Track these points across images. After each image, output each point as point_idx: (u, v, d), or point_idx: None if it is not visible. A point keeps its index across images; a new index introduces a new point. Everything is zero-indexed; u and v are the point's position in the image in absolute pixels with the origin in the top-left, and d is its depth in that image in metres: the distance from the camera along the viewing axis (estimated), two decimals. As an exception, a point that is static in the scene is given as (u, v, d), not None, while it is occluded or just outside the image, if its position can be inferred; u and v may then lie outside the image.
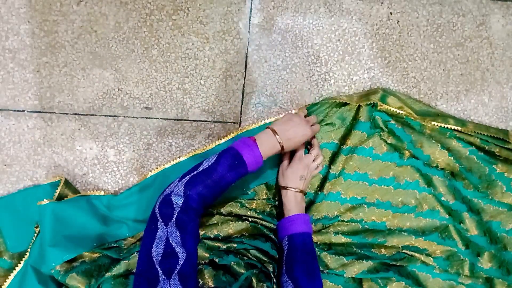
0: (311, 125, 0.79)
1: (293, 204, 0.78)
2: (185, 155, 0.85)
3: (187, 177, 0.65)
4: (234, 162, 0.67)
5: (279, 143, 0.72)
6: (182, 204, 0.61)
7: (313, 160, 0.81)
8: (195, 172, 0.65)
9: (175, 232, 0.58)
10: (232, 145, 0.70)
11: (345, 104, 0.85)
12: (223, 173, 0.66)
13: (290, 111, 0.87)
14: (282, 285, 0.72)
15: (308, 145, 0.86)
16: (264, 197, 0.85)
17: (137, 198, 0.82)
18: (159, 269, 0.54)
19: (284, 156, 0.83)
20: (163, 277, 0.53)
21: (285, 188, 0.79)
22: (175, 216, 0.59)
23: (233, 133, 0.85)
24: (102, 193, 0.83)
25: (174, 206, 0.61)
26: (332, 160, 0.85)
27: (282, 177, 0.80)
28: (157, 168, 0.84)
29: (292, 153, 0.83)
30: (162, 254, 0.56)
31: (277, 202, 0.85)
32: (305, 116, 0.83)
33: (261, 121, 0.86)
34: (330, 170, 0.84)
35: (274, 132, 0.73)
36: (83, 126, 0.85)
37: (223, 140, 0.85)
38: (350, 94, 0.88)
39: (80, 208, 0.79)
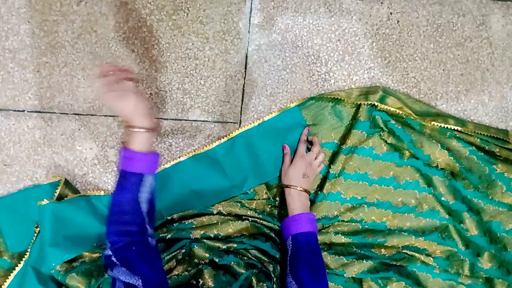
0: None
1: (297, 202, 0.77)
2: (185, 155, 0.85)
3: (106, 226, 0.64)
4: (121, 180, 0.64)
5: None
6: (112, 250, 0.61)
7: (315, 158, 0.81)
8: (108, 218, 0.64)
9: (120, 269, 0.59)
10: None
11: (342, 100, 0.85)
12: (118, 198, 0.64)
13: (287, 106, 0.87)
14: (286, 286, 0.72)
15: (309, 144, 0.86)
16: (264, 197, 0.85)
17: (136, 198, 0.82)
18: None
19: (285, 155, 0.83)
20: None
21: (288, 187, 0.79)
22: (113, 258, 0.60)
23: (233, 133, 0.85)
24: (102, 193, 0.83)
25: (110, 255, 0.61)
26: (332, 159, 0.85)
27: (285, 176, 0.80)
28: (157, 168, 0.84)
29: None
30: None
31: (277, 202, 0.85)
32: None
33: (260, 118, 0.86)
34: (330, 170, 0.84)
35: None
36: (83, 126, 0.85)
37: (223, 140, 0.85)
38: (350, 89, 0.88)
39: (80, 208, 0.79)
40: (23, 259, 0.78)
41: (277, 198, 0.85)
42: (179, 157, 0.85)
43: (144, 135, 0.65)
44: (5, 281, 0.78)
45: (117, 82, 0.64)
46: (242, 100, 0.88)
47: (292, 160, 0.82)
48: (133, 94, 0.63)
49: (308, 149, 0.84)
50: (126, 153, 0.64)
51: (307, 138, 0.85)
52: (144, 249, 0.62)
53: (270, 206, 0.85)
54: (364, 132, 0.84)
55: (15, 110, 0.84)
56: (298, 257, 0.72)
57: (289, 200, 0.78)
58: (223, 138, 0.85)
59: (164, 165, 0.84)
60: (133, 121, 0.64)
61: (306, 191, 0.79)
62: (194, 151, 0.85)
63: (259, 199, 0.85)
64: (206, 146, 0.85)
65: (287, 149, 0.84)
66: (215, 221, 0.82)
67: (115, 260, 0.60)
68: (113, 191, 0.64)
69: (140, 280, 0.58)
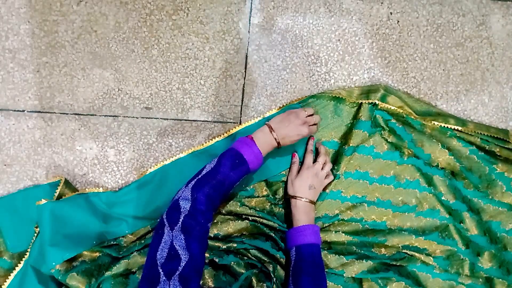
0: (310, 125, 0.79)
1: (302, 214, 0.77)
2: (185, 151, 0.85)
3: (193, 182, 0.66)
4: (235, 161, 0.68)
5: (275, 139, 0.74)
6: (190, 208, 0.62)
7: (322, 168, 0.81)
8: (199, 176, 0.67)
9: (179, 235, 0.58)
10: (231, 146, 0.72)
11: (343, 99, 0.85)
12: (227, 173, 0.67)
13: (290, 103, 0.87)
14: None
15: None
16: (264, 193, 0.85)
17: (136, 195, 0.82)
18: (161, 270, 0.55)
19: (293, 164, 0.83)
20: (164, 278, 0.54)
21: (294, 197, 0.78)
22: (181, 220, 0.60)
23: (233, 129, 0.85)
24: (100, 189, 0.83)
25: (181, 210, 0.61)
26: (335, 160, 0.85)
27: (291, 187, 0.80)
28: (156, 164, 0.84)
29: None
30: (166, 257, 0.56)
31: (277, 200, 0.85)
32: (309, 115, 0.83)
33: (259, 117, 0.86)
34: (333, 171, 0.84)
35: (271, 129, 0.74)
36: (83, 126, 0.85)
37: (223, 137, 0.85)
38: (351, 88, 0.88)
39: (79, 207, 0.79)
40: (23, 259, 0.78)
41: (277, 195, 0.85)
42: (179, 154, 0.85)
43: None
44: (5, 281, 0.78)
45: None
46: (242, 100, 0.88)
47: (299, 171, 0.81)
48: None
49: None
50: (252, 145, 0.70)
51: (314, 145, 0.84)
52: (205, 230, 0.63)
53: (270, 203, 0.85)
54: (365, 131, 0.84)
55: (15, 110, 0.84)
56: (301, 268, 0.72)
57: (294, 211, 0.78)
58: (223, 134, 0.85)
59: (163, 161, 0.84)
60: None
61: (312, 202, 0.78)
62: (194, 148, 0.85)
63: (258, 196, 0.84)
64: (206, 142, 0.85)
65: (296, 158, 0.83)
66: (215, 221, 0.82)
67: (181, 219, 0.60)
68: (217, 160, 0.70)
69: (188, 256, 0.57)
